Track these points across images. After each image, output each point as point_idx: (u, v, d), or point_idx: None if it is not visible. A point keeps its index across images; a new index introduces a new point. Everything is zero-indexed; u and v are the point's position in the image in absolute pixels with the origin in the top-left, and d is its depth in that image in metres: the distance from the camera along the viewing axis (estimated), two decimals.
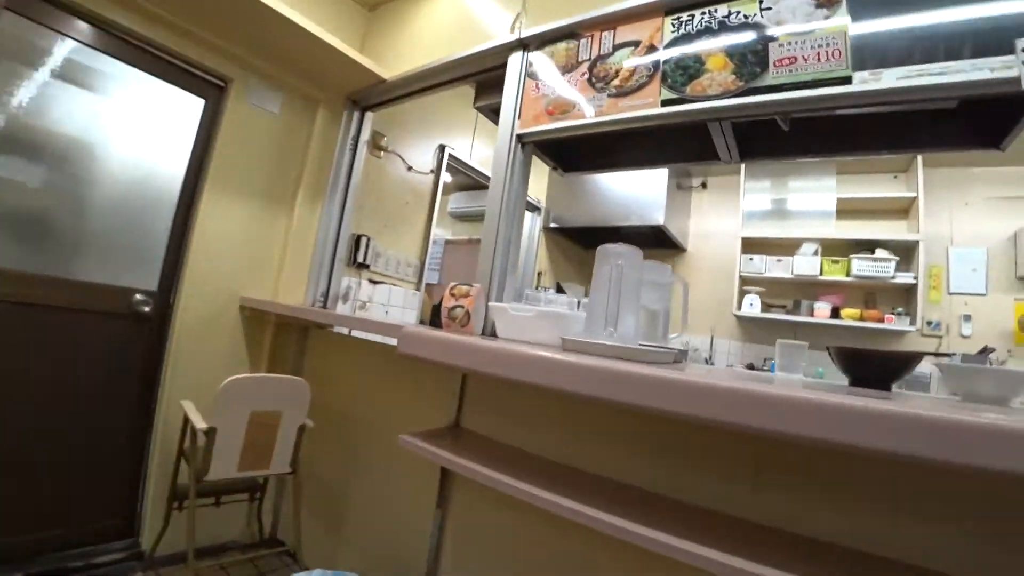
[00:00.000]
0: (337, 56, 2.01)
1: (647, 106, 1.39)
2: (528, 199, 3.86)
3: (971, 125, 1.55)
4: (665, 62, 1.40)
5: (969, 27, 1.12)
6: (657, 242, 4.18)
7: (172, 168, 2.02)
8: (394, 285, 2.69)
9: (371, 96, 2.32)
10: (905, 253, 3.48)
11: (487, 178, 3.50)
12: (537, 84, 1.60)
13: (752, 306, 3.82)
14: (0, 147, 1.62)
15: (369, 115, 2.40)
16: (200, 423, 1.53)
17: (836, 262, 3.58)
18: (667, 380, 0.77)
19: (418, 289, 2.87)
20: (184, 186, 2.04)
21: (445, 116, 3.05)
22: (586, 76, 1.51)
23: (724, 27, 1.35)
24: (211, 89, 2.09)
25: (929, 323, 3.47)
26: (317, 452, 1.92)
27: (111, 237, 1.89)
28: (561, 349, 1.10)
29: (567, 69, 1.56)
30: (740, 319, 3.94)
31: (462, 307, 1.39)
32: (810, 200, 3.84)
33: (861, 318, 3.51)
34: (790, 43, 1.27)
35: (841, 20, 1.23)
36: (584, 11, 1.54)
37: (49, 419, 1.76)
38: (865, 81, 1.20)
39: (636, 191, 3.66)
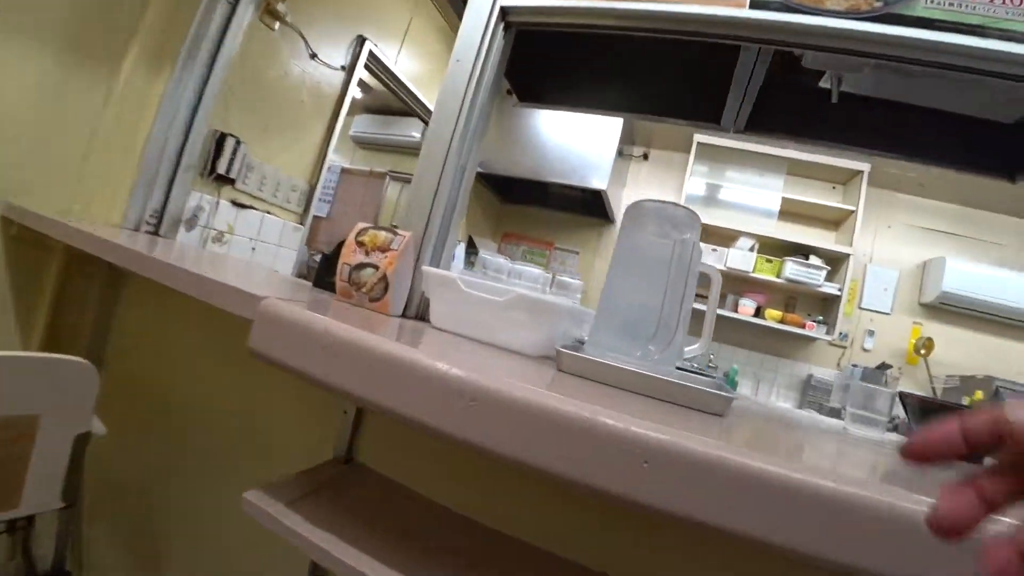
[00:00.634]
0: None
1: (729, 3, 0.87)
2: None
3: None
4: None
5: None
6: (586, 209, 3.78)
7: None
8: (268, 213, 1.99)
9: None
10: (834, 263, 3.47)
11: (415, 98, 2.90)
12: None
13: None
14: None
15: None
16: None
17: (770, 261, 3.43)
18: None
19: (302, 223, 2.19)
20: None
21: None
22: None
23: None
24: None
25: (840, 334, 3.46)
26: (129, 462, 1.26)
27: None
28: (555, 367, 0.58)
29: None
30: None
31: (375, 267, 0.82)
32: (755, 195, 3.63)
33: (783, 321, 3.41)
34: None
35: None
36: None
37: None
38: None
39: (581, 148, 3.18)
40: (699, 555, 0.66)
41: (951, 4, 0.83)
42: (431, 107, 2.98)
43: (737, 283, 3.61)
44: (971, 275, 3.16)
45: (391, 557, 0.63)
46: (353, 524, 0.69)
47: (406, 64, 2.63)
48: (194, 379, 1.20)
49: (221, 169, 1.68)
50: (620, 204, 3.85)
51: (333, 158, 2.44)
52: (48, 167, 1.41)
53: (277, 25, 1.81)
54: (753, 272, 3.45)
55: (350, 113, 2.51)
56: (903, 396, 0.93)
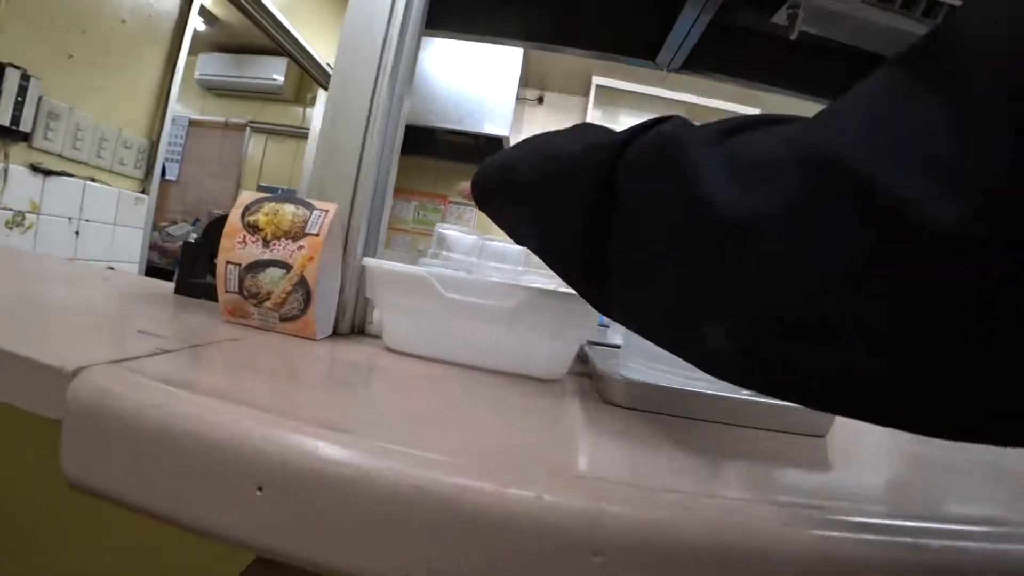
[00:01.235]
0: None
1: None
2: (327, 70, 2.77)
3: None
4: None
5: None
6: (479, 158, 3.47)
7: None
8: (93, 180, 1.49)
9: None
10: None
11: (283, 30, 2.35)
12: None
13: None
14: None
15: None
16: None
17: None
18: None
19: (144, 191, 1.69)
20: None
21: None
22: None
23: None
24: None
25: None
26: None
27: None
28: (577, 395, 0.40)
29: None
30: None
31: (284, 266, 0.50)
32: None
33: None
34: None
35: None
36: None
37: None
38: None
39: (475, 91, 2.85)
40: None
41: None
42: (303, 41, 2.48)
43: None
44: None
45: None
46: None
47: None
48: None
49: (2, 118, 1.17)
50: None
51: (177, 108, 1.92)
52: None
53: None
54: None
55: (193, 52, 1.98)
56: None
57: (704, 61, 1.44)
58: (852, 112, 0.19)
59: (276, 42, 2.29)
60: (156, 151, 1.68)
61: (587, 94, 3.43)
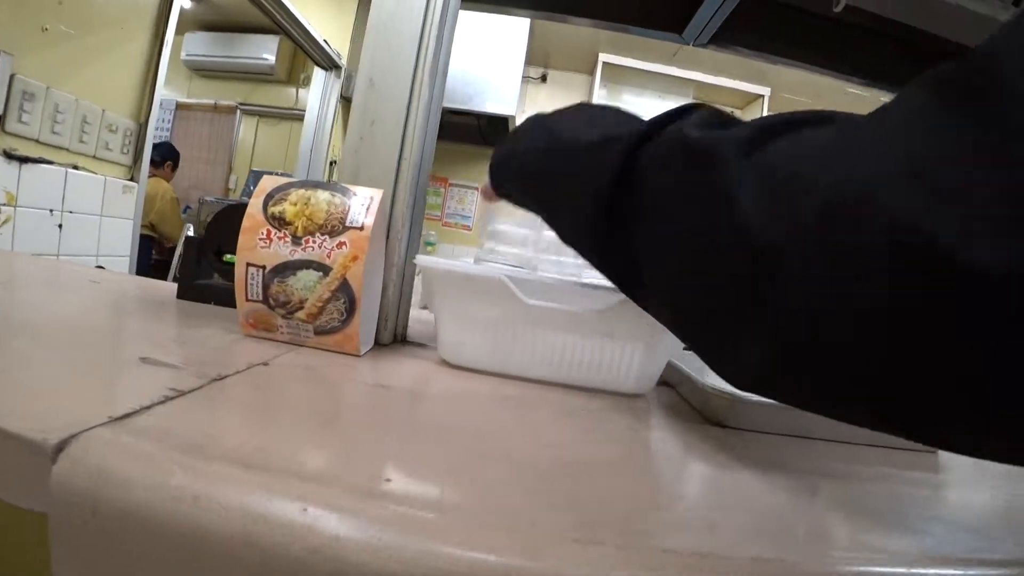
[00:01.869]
0: None
1: None
2: (325, 48, 2.63)
3: None
4: None
5: None
6: (483, 139, 3.37)
7: None
8: (75, 167, 1.37)
9: None
10: None
11: (278, 4, 2.20)
12: None
13: None
14: None
15: None
16: None
17: None
18: None
19: (133, 179, 1.58)
20: None
21: None
22: None
23: None
24: None
25: None
26: None
27: None
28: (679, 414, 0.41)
29: None
30: None
31: (321, 268, 0.40)
32: None
33: None
34: None
35: None
36: None
37: None
38: None
39: (479, 70, 2.73)
40: None
41: None
42: (300, 17, 2.34)
43: None
44: None
45: None
46: None
47: None
48: None
49: None
50: None
51: (163, 91, 1.79)
52: None
53: None
54: None
55: (179, 31, 1.85)
56: None
57: (736, 36, 1.34)
58: (884, 139, 0.19)
59: (271, 17, 2.14)
60: (145, 134, 1.56)
61: (592, 72, 3.31)
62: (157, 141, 3.36)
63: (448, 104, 2.76)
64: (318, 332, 0.43)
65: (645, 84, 3.38)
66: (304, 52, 2.65)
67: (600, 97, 3.30)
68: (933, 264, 0.16)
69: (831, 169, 0.20)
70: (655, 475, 0.31)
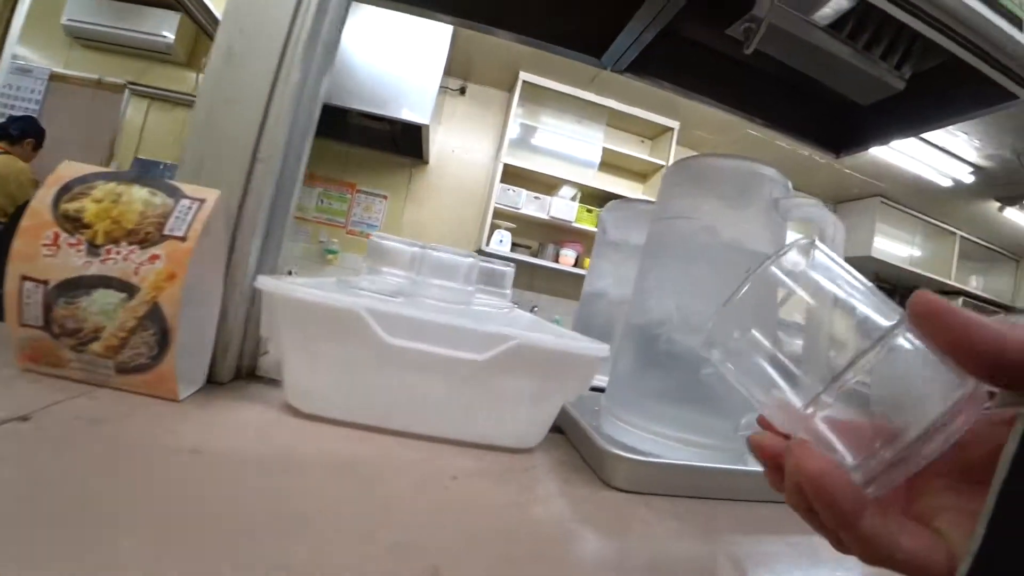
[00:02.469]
0: None
1: None
2: None
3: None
4: None
5: None
6: (395, 147, 3.27)
7: None
8: None
9: None
10: None
11: None
12: None
13: (502, 243, 3.36)
14: None
15: None
16: None
17: (590, 211, 3.37)
18: None
19: None
20: None
21: None
22: None
23: None
24: None
25: None
26: None
27: None
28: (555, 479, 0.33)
29: None
30: (485, 255, 3.41)
31: (126, 289, 0.31)
32: (577, 143, 3.51)
33: None
34: None
35: None
36: None
37: None
38: None
39: (397, 74, 2.63)
40: None
41: None
42: None
43: (559, 232, 3.52)
44: None
45: None
46: None
47: None
48: None
49: None
50: (434, 142, 3.41)
51: (29, 55, 1.53)
52: None
53: None
54: (575, 222, 3.36)
55: None
56: None
57: (652, 66, 1.36)
58: None
59: None
60: None
61: (512, 90, 3.30)
62: (18, 114, 2.97)
63: (358, 105, 2.65)
64: (121, 370, 0.33)
65: (563, 107, 3.43)
66: (205, 32, 2.44)
67: (517, 115, 3.29)
68: None
69: None
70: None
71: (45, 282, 0.31)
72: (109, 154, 3.41)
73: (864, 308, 0.22)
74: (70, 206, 0.33)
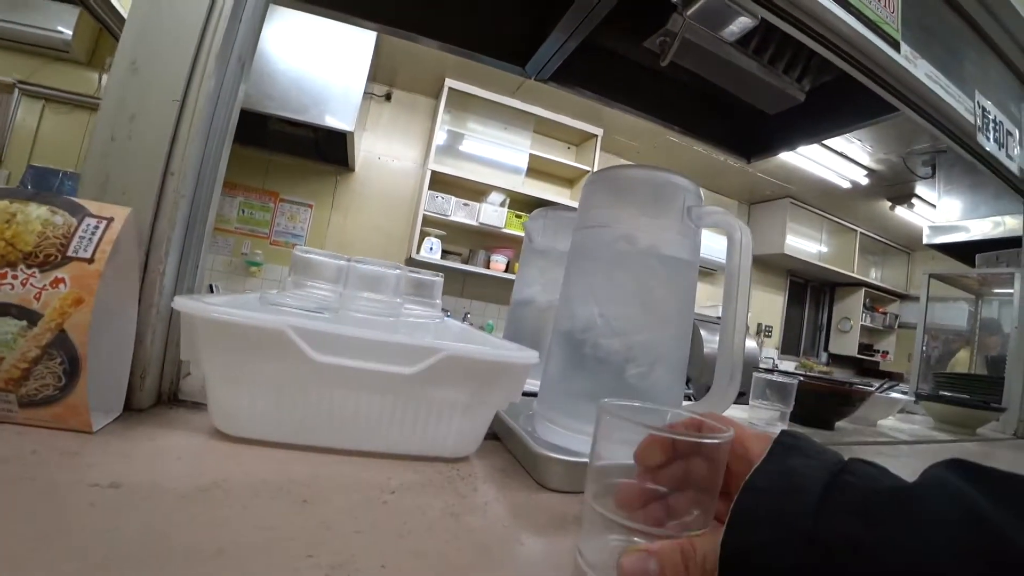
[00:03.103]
0: None
1: None
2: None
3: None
4: None
5: None
6: (319, 154, 3.19)
7: None
8: None
9: None
10: None
11: None
12: None
13: (432, 251, 3.34)
14: None
15: None
16: None
17: (519, 216, 3.42)
18: None
19: None
20: None
21: None
22: None
23: None
24: None
25: None
26: None
27: None
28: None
29: None
30: (415, 263, 3.37)
31: (26, 316, 0.29)
32: (504, 150, 3.55)
33: None
34: None
35: None
36: None
37: None
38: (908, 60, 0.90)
39: (320, 79, 2.56)
40: None
41: None
42: None
43: (489, 239, 3.55)
44: None
45: None
46: None
47: None
48: None
49: None
50: (360, 149, 3.35)
51: None
52: None
53: None
54: (505, 228, 3.40)
55: None
56: None
57: (574, 76, 1.41)
58: None
59: None
60: None
61: (438, 96, 3.30)
62: None
63: (279, 112, 2.57)
64: (25, 404, 0.31)
65: (489, 114, 3.46)
66: (106, 29, 2.27)
67: (444, 121, 3.29)
68: None
69: None
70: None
71: None
72: None
73: None
74: None
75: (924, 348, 2.33)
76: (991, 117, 1.17)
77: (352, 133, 2.65)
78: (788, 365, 4.39)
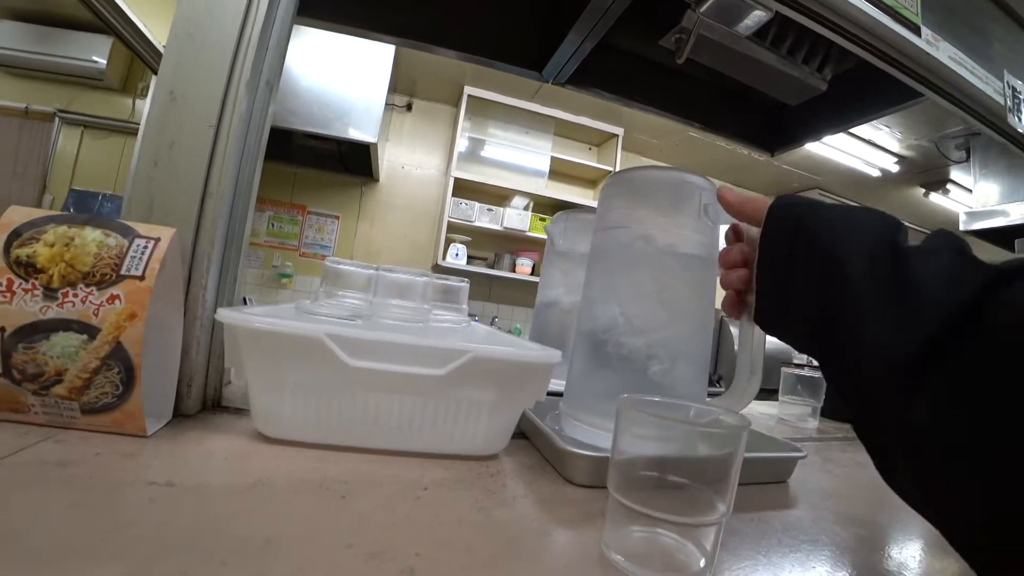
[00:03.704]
0: None
1: None
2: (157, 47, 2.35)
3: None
4: None
5: None
6: (344, 166, 3.25)
7: None
8: None
9: None
10: None
11: (109, 3, 1.91)
12: None
13: (458, 256, 3.36)
14: None
15: None
16: None
17: (543, 219, 3.43)
18: None
19: None
20: None
21: None
22: None
23: None
24: None
25: None
26: None
27: None
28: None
29: None
30: (441, 270, 3.41)
31: (86, 331, 0.32)
32: (526, 154, 3.57)
33: None
34: None
35: None
36: None
37: None
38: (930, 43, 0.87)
39: (342, 93, 2.62)
40: None
41: None
42: (133, 16, 2.08)
43: (514, 243, 3.56)
44: None
45: None
46: None
47: None
48: None
49: None
50: (384, 160, 3.41)
51: None
52: None
53: None
54: (529, 231, 3.41)
55: None
56: None
57: (592, 78, 1.41)
58: None
59: (95, 12, 1.88)
60: None
61: (458, 104, 3.34)
62: None
63: (304, 127, 2.63)
64: (87, 411, 0.34)
65: (509, 119, 3.48)
66: (139, 57, 2.37)
67: (465, 129, 3.33)
68: None
69: None
70: None
71: (2, 329, 0.32)
72: (42, 186, 3.27)
73: None
74: (21, 251, 0.33)
75: None
76: (1023, 97, 1.14)
77: (375, 144, 2.70)
78: None
